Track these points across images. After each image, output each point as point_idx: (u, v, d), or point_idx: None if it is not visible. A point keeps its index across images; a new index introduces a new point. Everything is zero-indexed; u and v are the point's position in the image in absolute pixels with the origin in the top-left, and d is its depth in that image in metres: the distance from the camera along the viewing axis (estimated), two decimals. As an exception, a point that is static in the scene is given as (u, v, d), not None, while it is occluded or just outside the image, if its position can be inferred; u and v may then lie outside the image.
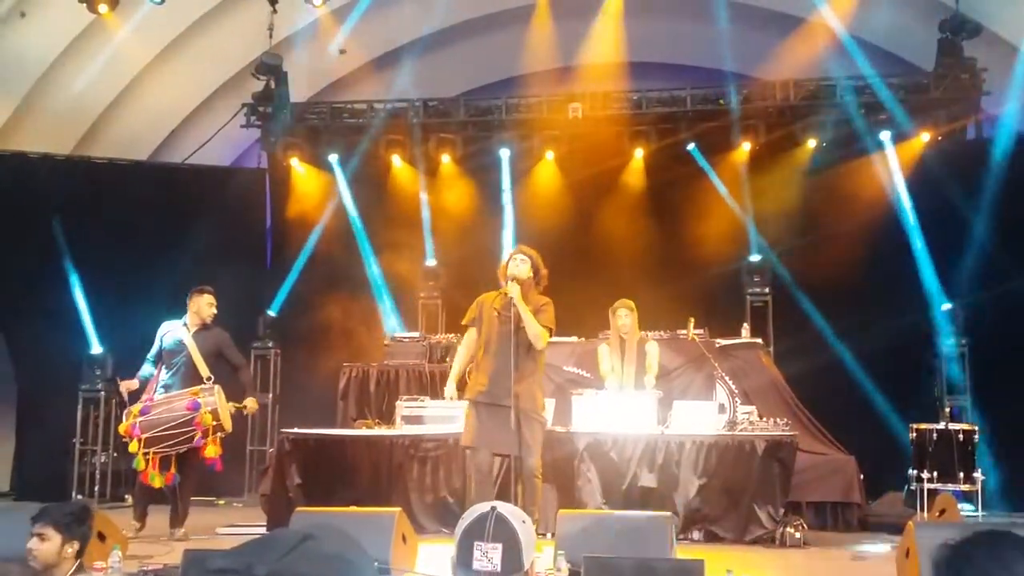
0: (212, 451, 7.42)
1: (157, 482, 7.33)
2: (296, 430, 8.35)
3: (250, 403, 7.88)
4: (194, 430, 7.32)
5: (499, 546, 2.50)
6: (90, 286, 10.98)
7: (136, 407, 7.36)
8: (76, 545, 4.21)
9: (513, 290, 6.59)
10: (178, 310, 7.99)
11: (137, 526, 7.51)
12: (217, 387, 7.55)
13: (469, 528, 2.58)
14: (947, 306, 10.44)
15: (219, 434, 7.49)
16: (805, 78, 11.37)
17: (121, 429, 7.40)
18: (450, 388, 7.15)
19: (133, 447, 7.31)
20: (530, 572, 2.64)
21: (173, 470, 7.37)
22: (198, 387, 7.47)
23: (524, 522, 2.65)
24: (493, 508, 2.62)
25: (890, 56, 11.63)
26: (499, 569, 2.52)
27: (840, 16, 10.99)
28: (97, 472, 10.51)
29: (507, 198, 11.99)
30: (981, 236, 10.22)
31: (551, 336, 6.84)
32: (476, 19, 12.04)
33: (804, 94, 11.35)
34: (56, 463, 10.51)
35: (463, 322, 7.12)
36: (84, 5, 10.24)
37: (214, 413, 7.38)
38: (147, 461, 7.27)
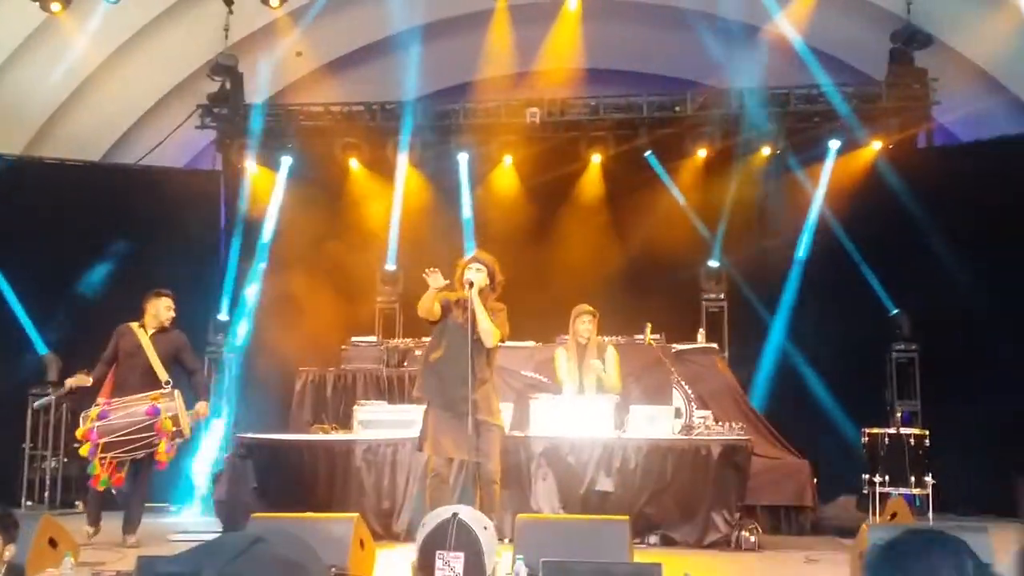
0: (164, 456, 7.36)
1: (103, 485, 7.25)
2: (252, 435, 8.27)
3: (201, 407, 7.76)
4: (153, 435, 7.23)
5: (461, 555, 2.51)
6: (37, 288, 10.76)
7: (94, 411, 7.25)
8: (13, 548, 4.10)
9: (470, 292, 6.58)
10: (129, 312, 7.89)
11: (91, 531, 7.42)
12: (176, 392, 7.46)
13: (430, 536, 2.58)
14: (897, 312, 10.61)
15: (177, 440, 7.41)
16: (759, 86, 11.48)
17: (78, 433, 7.24)
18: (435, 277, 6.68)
19: (84, 451, 7.20)
20: (492, 578, 2.65)
21: (123, 474, 7.29)
22: (158, 392, 7.38)
23: (485, 528, 2.66)
24: (455, 515, 2.63)
25: (843, 65, 11.79)
26: (462, 577, 2.52)
27: (794, 25, 11.12)
28: (47, 477, 10.32)
29: (465, 202, 11.98)
30: (931, 243, 10.39)
31: (503, 342, 6.84)
32: (434, 23, 12.01)
33: (759, 102, 11.45)
34: (4, 469, 10.29)
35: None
36: (37, 4, 10.08)
37: (174, 419, 7.31)
38: (102, 465, 7.18)
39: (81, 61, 11.16)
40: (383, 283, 11.70)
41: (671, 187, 11.66)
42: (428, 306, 6.69)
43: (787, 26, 11.11)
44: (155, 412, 7.25)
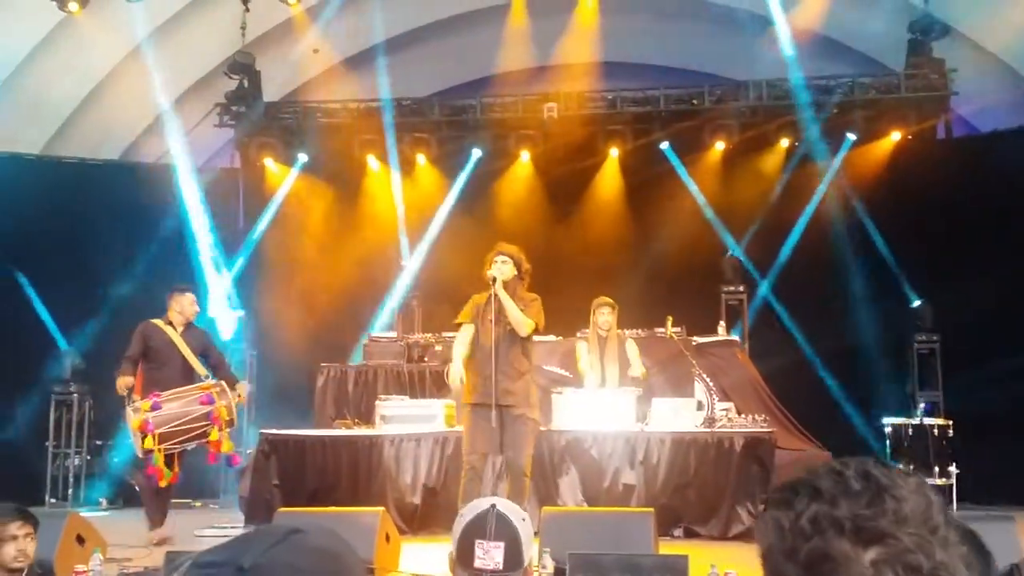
0: (228, 446, 7.21)
1: (165, 482, 7.09)
2: (275, 430, 8.30)
3: (241, 388, 7.65)
4: (208, 424, 7.06)
5: (501, 544, 2.50)
6: (58, 286, 10.82)
7: (146, 402, 7.02)
8: (33, 542, 4.12)
9: (496, 286, 6.58)
10: (147, 310, 7.89)
11: (158, 533, 7.25)
12: (223, 383, 7.37)
13: (469, 526, 2.57)
14: (918, 303, 10.58)
15: (229, 428, 7.25)
16: (777, 78, 11.46)
17: (135, 424, 6.95)
18: (456, 370, 6.87)
19: (148, 443, 6.90)
20: (528, 569, 2.65)
21: (177, 469, 7.18)
22: (208, 383, 7.28)
23: (524, 520, 2.65)
24: (493, 506, 2.62)
25: (860, 56, 11.77)
26: (501, 567, 2.52)
27: (811, 17, 11.09)
28: (71, 475, 10.39)
29: (482, 198, 11.99)
30: (950, 233, 10.36)
31: (539, 331, 6.82)
32: (451, 18, 12.05)
33: (776, 94, 11.44)
34: (28, 466, 10.36)
35: (457, 320, 6.95)
36: (55, 3, 10.12)
37: (228, 407, 7.16)
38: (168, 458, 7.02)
39: (99, 60, 11.22)
40: (402, 279, 11.72)
41: (689, 180, 11.64)
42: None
43: (803, 18, 11.09)
44: (210, 400, 7.09)
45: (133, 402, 7.12)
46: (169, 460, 7.08)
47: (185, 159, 12.01)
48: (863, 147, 11.31)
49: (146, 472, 7.09)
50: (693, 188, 11.63)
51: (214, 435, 7.10)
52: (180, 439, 7.05)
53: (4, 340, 10.79)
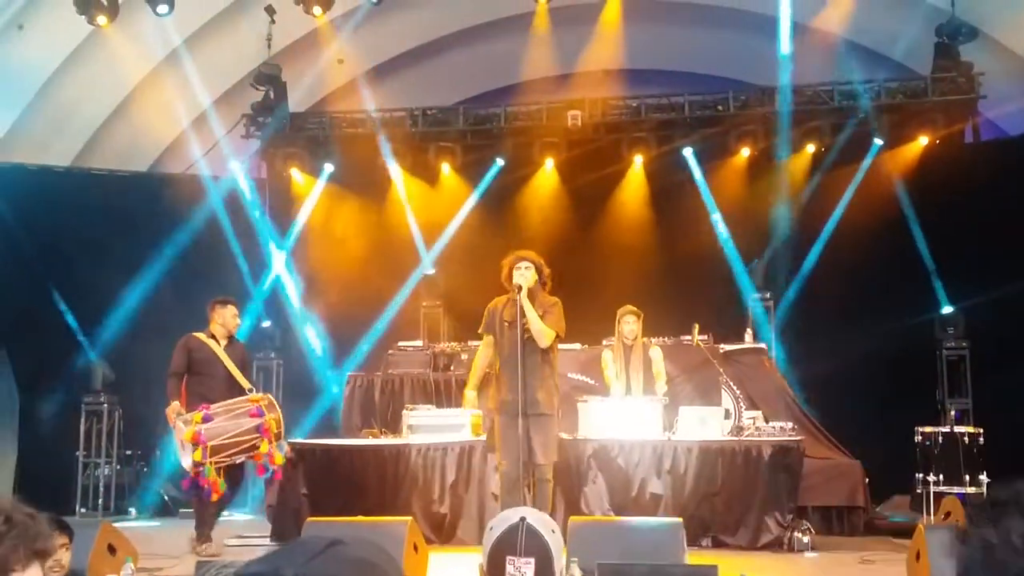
0: (279, 459, 7.20)
1: (216, 495, 7.09)
2: (302, 440, 8.33)
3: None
4: (257, 437, 7.06)
5: (532, 560, 2.51)
6: (87, 297, 10.90)
7: (197, 414, 7.00)
8: (69, 553, 4.17)
9: (521, 295, 6.60)
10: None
11: (205, 547, 7.27)
12: (270, 395, 7.36)
13: (499, 540, 2.58)
14: (948, 309, 10.48)
15: (277, 441, 7.23)
16: (802, 84, 11.41)
17: (186, 436, 6.92)
18: (470, 396, 7.14)
19: (198, 455, 6.90)
20: (557, 581, 2.66)
21: (222, 481, 7.13)
22: (257, 395, 7.28)
23: (553, 532, 2.66)
24: (523, 519, 2.62)
25: (887, 60, 11.68)
26: (532, 582, 2.53)
27: (837, 21, 11.03)
28: (101, 485, 10.46)
29: (507, 206, 12.00)
30: (980, 238, 10.26)
31: (561, 337, 6.84)
32: (474, 27, 12.06)
33: (802, 100, 11.39)
34: (59, 476, 10.45)
35: (479, 330, 7.11)
36: (83, 17, 10.22)
37: (277, 420, 7.15)
38: (217, 471, 7.01)
39: (127, 73, 11.31)
40: (427, 287, 11.73)
41: (713, 187, 11.61)
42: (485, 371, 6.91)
43: (829, 22, 11.03)
44: (260, 413, 7.08)
45: (181, 415, 7.10)
46: (217, 473, 7.05)
47: (212, 170, 12.10)
48: (891, 152, 11.22)
49: (199, 485, 7.07)
50: (718, 195, 11.59)
51: (264, 448, 7.09)
52: (231, 452, 7.05)
53: (35, 350, 10.92)
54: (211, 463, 6.91)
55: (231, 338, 7.69)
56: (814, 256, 11.02)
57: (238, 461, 7.22)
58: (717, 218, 11.45)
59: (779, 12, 10.83)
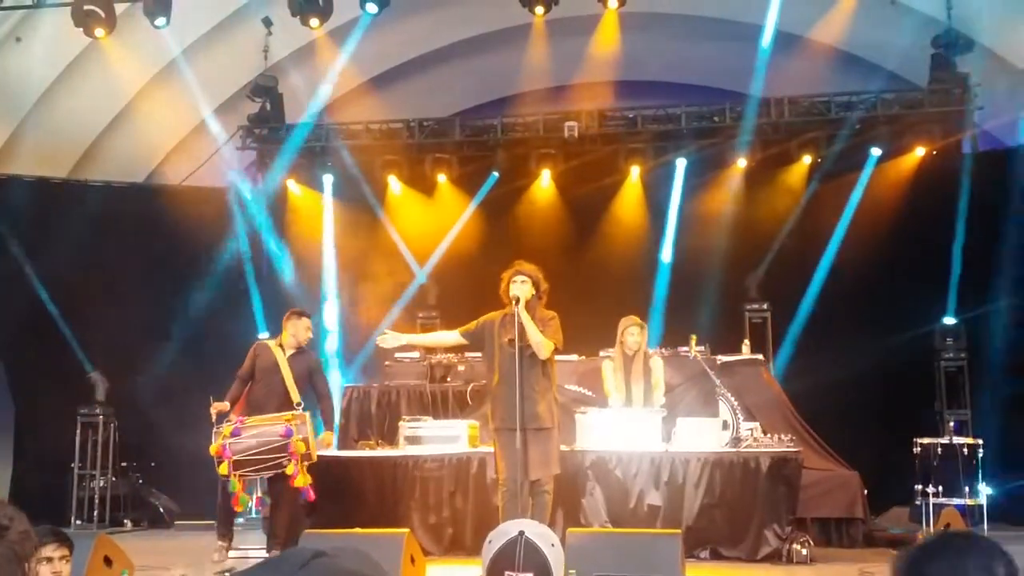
0: (302, 480, 7.10)
1: (241, 507, 7.16)
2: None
3: (326, 438, 7.66)
4: (284, 456, 7.02)
5: (530, 575, 2.49)
6: (83, 308, 10.87)
7: (227, 428, 7.02)
8: (69, 566, 4.15)
9: (519, 307, 6.58)
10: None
11: (224, 546, 7.29)
12: (307, 414, 7.30)
13: (499, 554, 2.56)
14: (948, 320, 10.48)
15: (306, 463, 7.16)
16: (799, 95, 11.43)
17: (212, 450, 6.95)
18: (393, 335, 7.14)
19: (223, 469, 6.93)
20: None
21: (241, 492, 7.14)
22: (291, 413, 7.22)
23: (553, 545, 2.64)
24: (521, 533, 2.61)
25: (883, 72, 11.69)
26: (530, 597, 2.50)
27: (833, 33, 11.06)
28: (96, 496, 10.42)
29: (504, 217, 12.00)
30: (977, 249, 10.26)
31: (558, 350, 6.82)
32: (472, 38, 12.07)
33: (798, 111, 11.41)
34: (54, 488, 10.41)
35: (460, 328, 7.05)
36: (80, 29, 10.22)
37: (306, 441, 7.09)
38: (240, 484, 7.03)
39: (125, 85, 11.31)
40: (424, 298, 11.72)
41: (710, 198, 11.63)
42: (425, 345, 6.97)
43: (825, 34, 11.05)
44: (289, 433, 7.02)
45: (220, 425, 7.10)
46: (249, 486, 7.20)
47: (210, 181, 12.10)
48: (888, 163, 11.24)
49: (224, 492, 7.13)
50: (715, 206, 11.59)
51: (290, 469, 7.07)
52: (255, 467, 7.06)
53: (31, 362, 10.90)
54: (235, 476, 6.96)
55: (301, 349, 7.66)
56: (812, 267, 11.01)
57: (265, 476, 7.25)
58: (714, 229, 11.43)
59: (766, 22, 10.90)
